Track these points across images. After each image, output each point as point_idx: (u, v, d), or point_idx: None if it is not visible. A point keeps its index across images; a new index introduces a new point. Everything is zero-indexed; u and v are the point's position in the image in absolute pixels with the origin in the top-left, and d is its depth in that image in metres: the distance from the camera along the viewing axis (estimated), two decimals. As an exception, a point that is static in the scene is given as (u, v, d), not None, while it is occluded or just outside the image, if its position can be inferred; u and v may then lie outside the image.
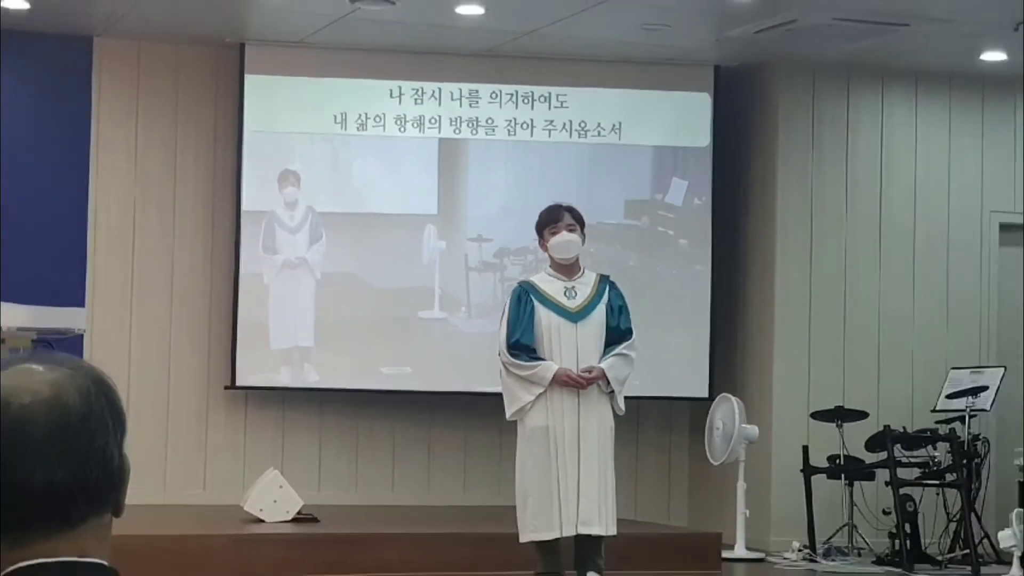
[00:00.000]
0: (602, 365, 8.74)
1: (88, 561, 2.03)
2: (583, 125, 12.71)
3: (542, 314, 8.82)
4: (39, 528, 2.00)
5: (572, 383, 8.65)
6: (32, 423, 2.00)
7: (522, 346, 8.73)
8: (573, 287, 8.89)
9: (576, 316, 8.83)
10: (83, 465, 2.02)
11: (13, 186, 11.82)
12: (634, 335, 8.96)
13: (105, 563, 2.04)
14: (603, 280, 9.02)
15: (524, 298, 8.86)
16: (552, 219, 8.89)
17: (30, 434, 2.00)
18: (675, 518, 12.83)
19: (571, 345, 8.78)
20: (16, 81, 12.12)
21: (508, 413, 8.91)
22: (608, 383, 8.75)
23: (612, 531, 8.80)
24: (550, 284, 8.90)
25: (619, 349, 8.84)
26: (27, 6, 11.36)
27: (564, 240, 8.80)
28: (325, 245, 12.56)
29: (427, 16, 11.46)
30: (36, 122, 12.32)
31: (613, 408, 8.86)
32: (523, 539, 8.78)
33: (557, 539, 8.73)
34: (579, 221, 8.95)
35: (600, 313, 8.89)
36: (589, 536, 8.70)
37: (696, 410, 12.39)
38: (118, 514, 2.08)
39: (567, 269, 8.90)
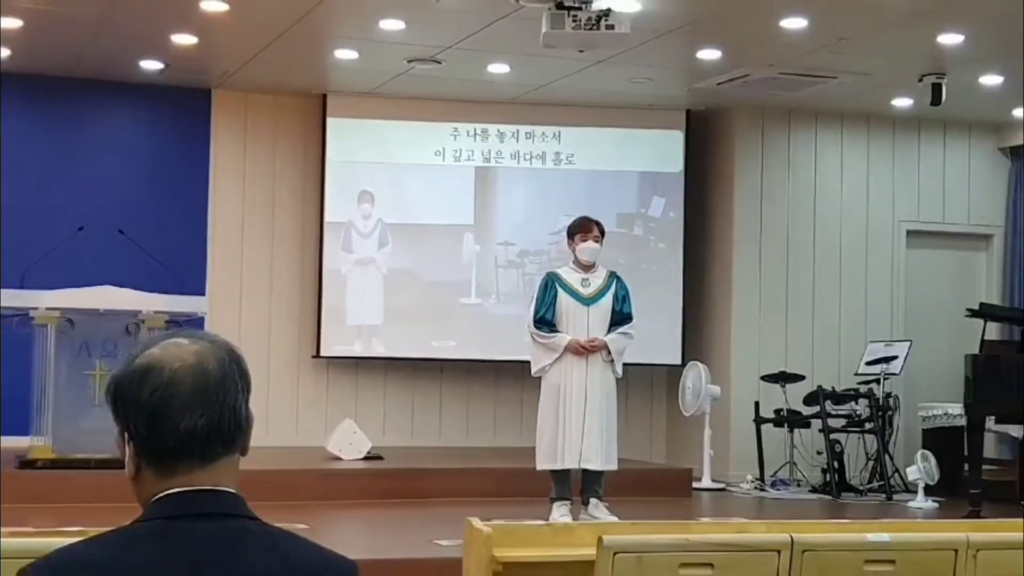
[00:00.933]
0: (605, 339, 8.70)
1: (221, 490, 2.04)
2: (583, 156, 12.81)
3: (562, 298, 8.76)
4: (183, 463, 2.02)
5: (579, 351, 8.66)
6: (180, 383, 2.03)
7: (545, 321, 8.72)
8: (588, 279, 8.83)
9: (588, 301, 8.77)
10: (218, 415, 2.04)
11: (151, 206, 12.02)
12: (634, 319, 8.89)
13: (234, 491, 2.06)
14: (612, 275, 8.95)
15: (550, 284, 8.85)
16: (584, 228, 8.86)
17: (179, 392, 2.03)
18: (656, 457, 12.82)
19: (583, 323, 8.73)
20: (154, 123, 12.40)
21: (533, 371, 8.93)
22: (609, 353, 8.72)
23: (612, 467, 8.80)
24: (571, 275, 8.86)
25: (621, 329, 8.80)
26: (161, 65, 11.46)
27: (590, 247, 8.79)
28: (390, 248, 12.64)
29: (466, 73, 11.39)
30: (168, 156, 12.36)
31: (613, 372, 8.81)
32: (538, 467, 8.80)
33: (567, 470, 8.70)
34: (602, 233, 8.92)
35: (607, 300, 8.81)
36: (591, 470, 8.71)
37: (672, 374, 12.37)
38: (244, 453, 2.11)
39: (586, 266, 8.85)
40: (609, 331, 8.80)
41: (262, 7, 9.69)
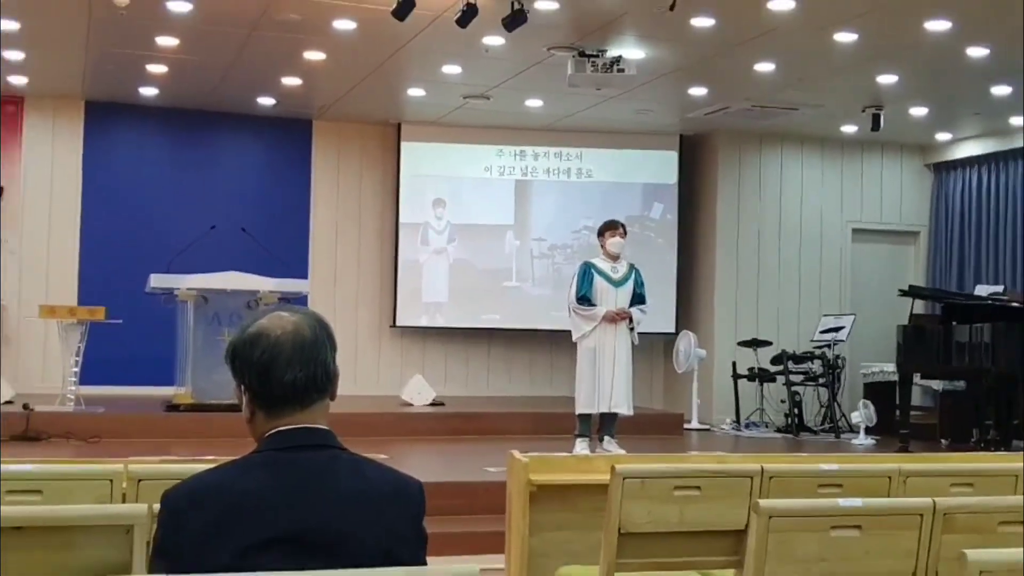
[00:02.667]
0: (630, 310, 8.71)
1: (316, 427, 2.06)
2: (600, 171, 12.79)
3: (597, 281, 8.71)
4: (287, 407, 2.05)
5: (613, 318, 8.63)
6: (283, 345, 2.05)
7: (584, 299, 8.67)
8: (616, 267, 8.77)
9: (617, 284, 8.74)
10: (312, 369, 2.06)
11: (266, 210, 12.06)
12: (647, 300, 8.90)
13: (326, 427, 2.08)
14: (632, 266, 8.87)
15: (588, 271, 8.76)
16: (612, 228, 8.79)
17: (282, 352, 2.05)
18: (655, 404, 12.79)
19: (613, 300, 8.68)
20: (268, 146, 12.40)
21: (574, 337, 8.83)
22: (631, 322, 8.72)
23: (631, 412, 8.82)
24: (603, 264, 8.76)
25: (639, 307, 8.79)
26: (274, 101, 11.50)
27: (617, 242, 8.74)
28: (456, 242, 12.64)
29: (509, 107, 11.37)
30: (279, 171, 12.43)
31: (632, 339, 8.83)
32: (577, 411, 8.76)
33: (591, 414, 8.73)
34: (625, 232, 8.89)
35: (630, 284, 8.77)
36: (612, 414, 8.72)
37: (668, 340, 12.36)
38: (333, 399, 2.12)
39: (613, 257, 8.77)
40: (631, 306, 8.79)
41: (351, 56, 9.67)
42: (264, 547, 1.90)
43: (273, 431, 2.05)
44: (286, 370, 2.04)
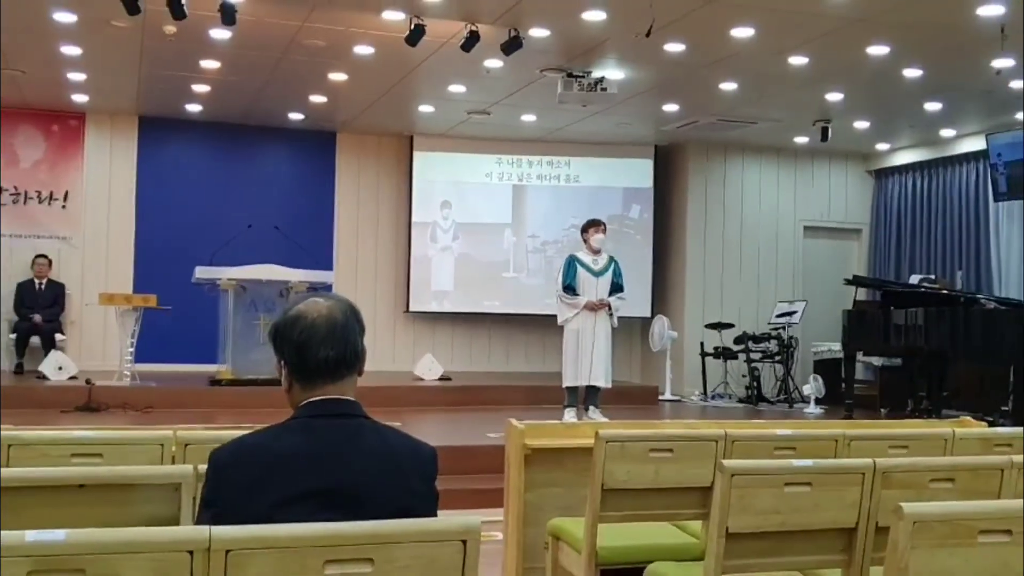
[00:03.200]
0: (609, 300, 8.67)
1: (345, 398, 2.06)
2: (586, 176, 12.74)
3: (580, 271, 8.67)
4: (320, 381, 2.05)
5: (593, 307, 8.61)
6: (317, 327, 2.05)
7: (569, 288, 8.64)
8: (597, 259, 8.71)
9: (598, 274, 8.68)
10: (343, 348, 2.06)
11: (296, 210, 12.00)
12: (625, 289, 8.86)
13: (354, 399, 2.08)
14: (611, 258, 8.81)
15: (572, 263, 8.73)
16: (595, 225, 8.74)
17: (317, 333, 2.04)
18: (633, 378, 12.80)
19: (594, 289, 8.64)
20: (298, 155, 12.31)
21: (559, 321, 8.79)
22: (610, 309, 8.67)
23: (608, 385, 8.78)
24: (586, 257, 8.72)
25: (618, 295, 8.73)
26: (302, 116, 11.44)
27: (599, 238, 8.68)
28: (460, 239, 12.57)
29: (506, 120, 11.30)
30: (307, 177, 12.36)
31: (611, 323, 8.75)
32: (563, 384, 8.74)
33: (577, 387, 8.72)
34: (606, 229, 8.82)
35: (609, 274, 8.71)
36: (595, 386, 8.71)
37: (644, 323, 12.28)
38: (360, 374, 2.11)
39: (595, 251, 8.71)
40: (610, 295, 8.74)
41: (369, 78, 9.63)
42: (297, 500, 1.90)
43: (307, 401, 2.05)
44: (320, 348, 2.03)
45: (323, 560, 1.68)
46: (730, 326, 11.93)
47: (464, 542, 1.75)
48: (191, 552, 1.61)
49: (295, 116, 11.58)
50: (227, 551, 1.63)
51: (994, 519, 2.16)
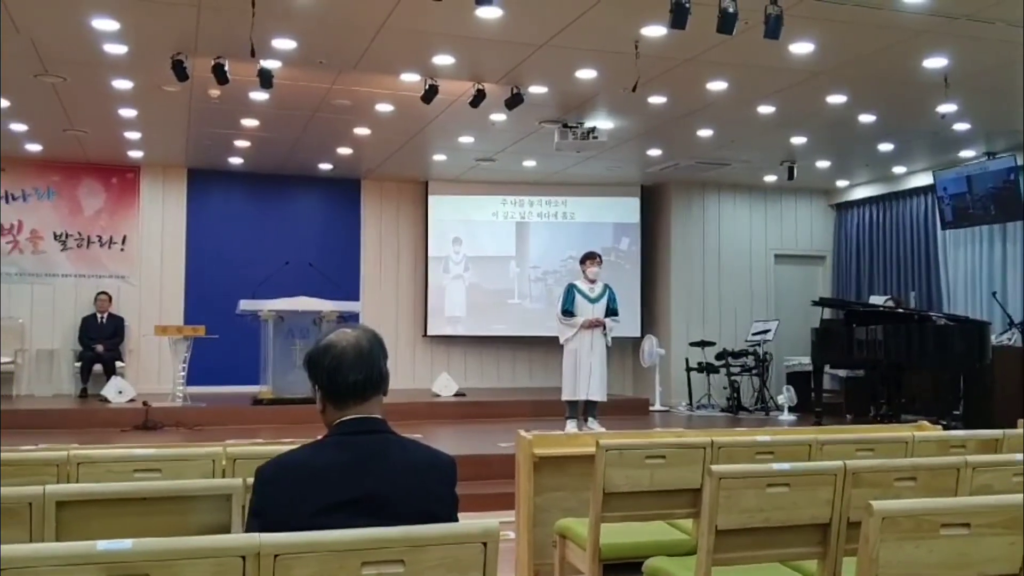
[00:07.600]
0: (604, 320, 8.56)
1: (373, 417, 2.04)
2: (580, 214, 12.68)
3: (578, 298, 8.60)
4: (350, 401, 2.02)
5: (590, 324, 8.51)
6: (346, 354, 2.03)
7: (568, 312, 8.56)
8: (593, 287, 8.62)
9: (593, 300, 8.61)
10: (369, 372, 2.03)
11: (327, 249, 11.99)
12: (619, 313, 8.75)
13: (381, 417, 2.05)
14: (607, 286, 8.71)
15: (571, 290, 8.65)
16: (591, 257, 8.65)
17: (346, 359, 2.02)
18: (626, 391, 12.72)
19: (590, 313, 8.54)
20: (327, 201, 12.27)
21: (561, 340, 8.67)
22: (605, 329, 8.58)
23: (604, 399, 8.67)
24: (583, 285, 8.63)
25: (612, 319, 8.62)
26: (331, 166, 11.42)
27: (595, 270, 8.59)
28: (471, 270, 12.51)
29: (510, 166, 11.30)
30: (336, 219, 12.29)
31: (607, 342, 8.67)
32: (563, 398, 8.63)
33: (577, 401, 8.59)
34: (601, 260, 8.72)
35: (604, 301, 8.62)
36: (592, 401, 8.61)
37: (635, 342, 12.19)
38: (385, 394, 2.08)
39: (592, 280, 8.61)
40: (604, 317, 8.68)
41: (389, 132, 9.62)
42: (334, 509, 1.89)
43: (340, 420, 2.03)
44: (349, 373, 2.01)
45: (360, 562, 1.68)
46: (712, 344, 11.89)
47: (485, 544, 1.75)
48: (243, 557, 1.61)
49: (325, 166, 11.60)
50: (275, 555, 1.63)
51: (954, 514, 2.16)
